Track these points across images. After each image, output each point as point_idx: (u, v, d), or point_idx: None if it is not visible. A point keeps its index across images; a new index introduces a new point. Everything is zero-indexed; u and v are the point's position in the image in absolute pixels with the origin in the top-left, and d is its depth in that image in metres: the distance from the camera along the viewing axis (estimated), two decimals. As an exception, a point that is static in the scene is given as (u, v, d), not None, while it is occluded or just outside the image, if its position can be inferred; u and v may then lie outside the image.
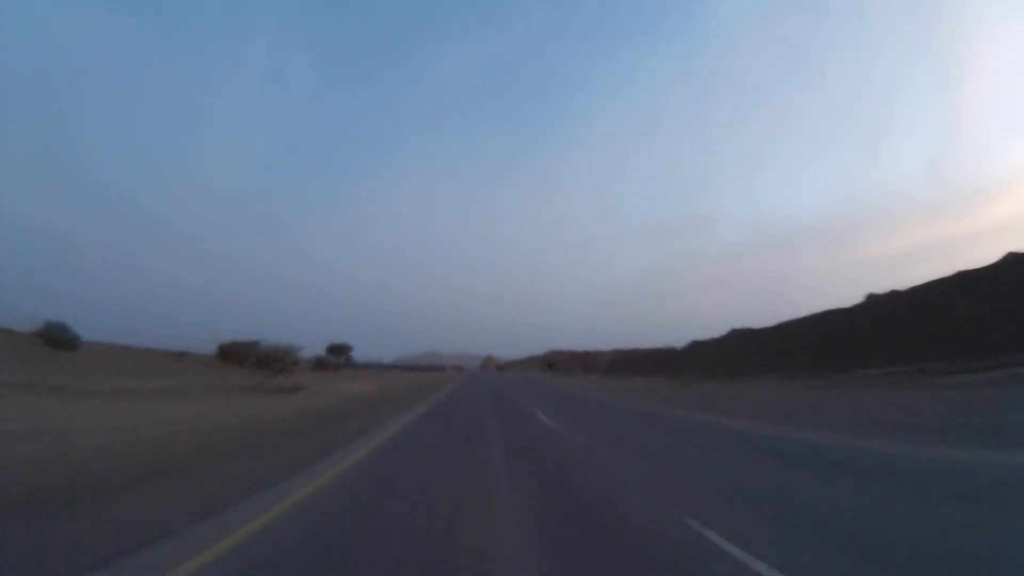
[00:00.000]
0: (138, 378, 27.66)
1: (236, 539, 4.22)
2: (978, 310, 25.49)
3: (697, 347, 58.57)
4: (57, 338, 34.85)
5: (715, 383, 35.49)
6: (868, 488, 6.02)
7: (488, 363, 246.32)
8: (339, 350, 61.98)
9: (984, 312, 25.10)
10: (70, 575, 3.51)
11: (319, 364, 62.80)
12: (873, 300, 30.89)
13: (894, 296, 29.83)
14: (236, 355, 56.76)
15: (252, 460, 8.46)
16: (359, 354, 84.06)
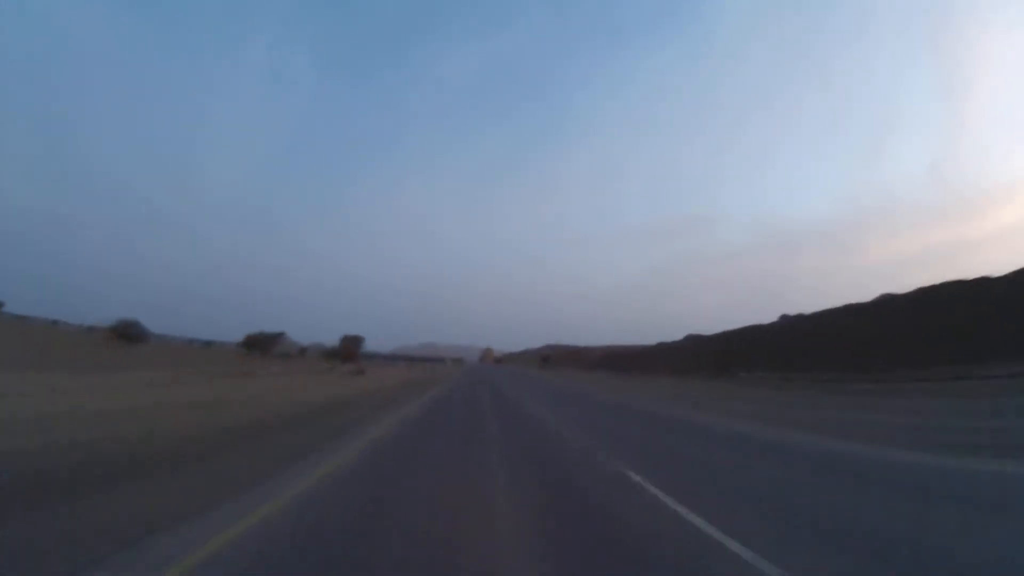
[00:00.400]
0: (223, 365, 36.15)
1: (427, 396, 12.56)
2: (857, 336, 33.39)
3: (661, 348, 67.05)
4: (130, 333, 42.45)
5: (670, 379, 43.60)
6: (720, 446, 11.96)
7: (486, 356, 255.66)
8: (354, 341, 70.49)
9: (860, 337, 33.01)
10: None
11: (334, 354, 71.05)
12: (785, 320, 38.78)
13: (801, 318, 37.77)
14: (260, 345, 65.08)
15: (407, 394, 17.15)
16: (368, 346, 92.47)
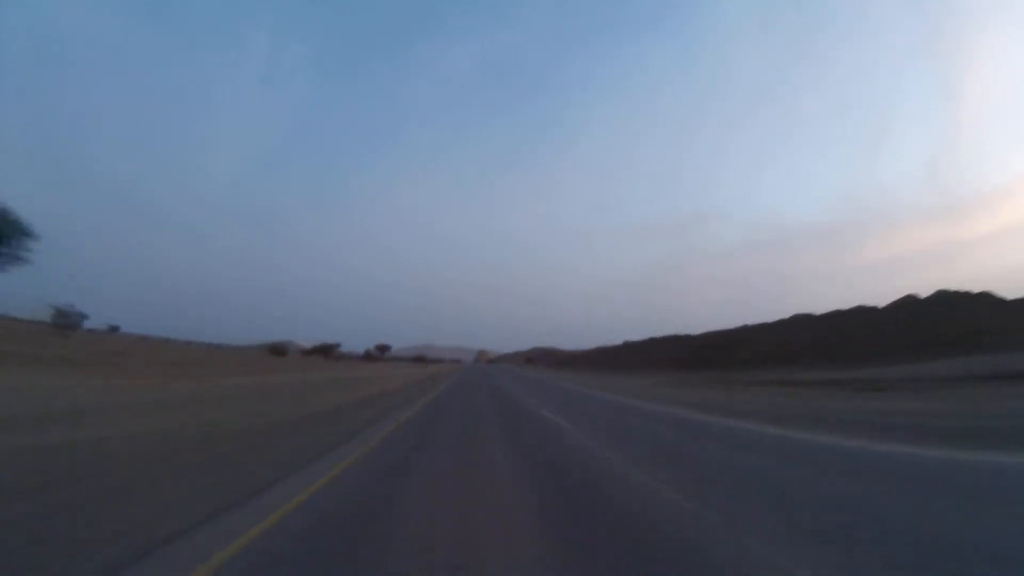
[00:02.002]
0: (345, 366, 59.99)
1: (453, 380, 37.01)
2: (677, 352, 57.92)
3: (598, 351, 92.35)
4: (279, 349, 66.16)
5: (617, 374, 67.92)
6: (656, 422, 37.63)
7: (481, 357, 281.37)
8: (383, 348, 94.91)
9: (677, 353, 57.54)
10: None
11: (367, 357, 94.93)
12: (626, 344, 63.60)
13: (647, 341, 62.47)
14: (323, 352, 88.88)
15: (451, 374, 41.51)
16: (359, 346, 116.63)
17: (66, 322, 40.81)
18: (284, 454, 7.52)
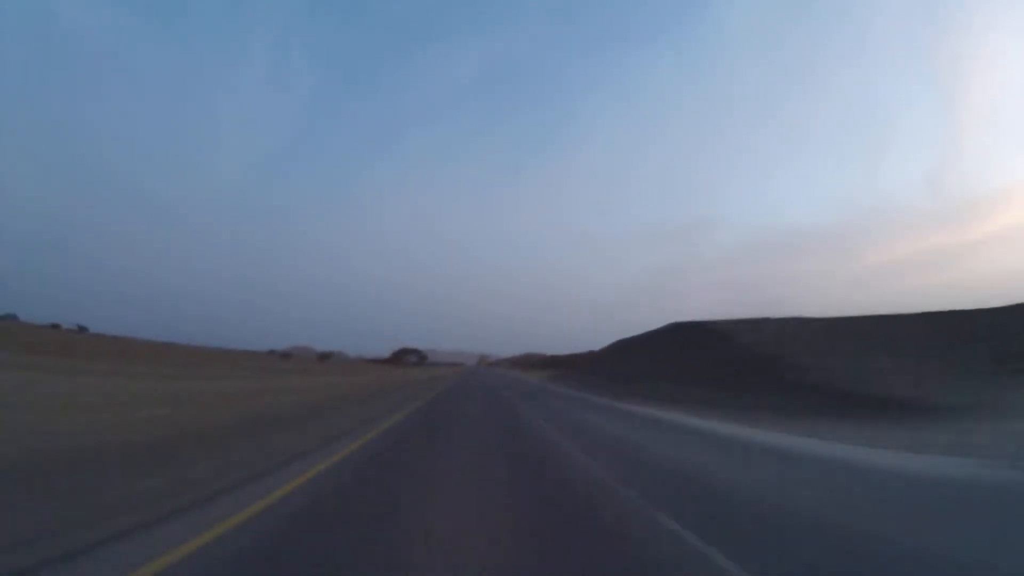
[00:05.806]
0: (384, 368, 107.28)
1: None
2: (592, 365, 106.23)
3: (557, 358, 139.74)
4: (399, 360, 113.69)
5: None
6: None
7: (482, 361, 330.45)
8: (423, 356, 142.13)
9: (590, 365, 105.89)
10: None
11: (414, 364, 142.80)
12: (588, 352, 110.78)
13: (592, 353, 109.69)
14: (394, 362, 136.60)
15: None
16: (364, 348, 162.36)
17: (325, 354, 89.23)
18: (462, 372, 56.38)
